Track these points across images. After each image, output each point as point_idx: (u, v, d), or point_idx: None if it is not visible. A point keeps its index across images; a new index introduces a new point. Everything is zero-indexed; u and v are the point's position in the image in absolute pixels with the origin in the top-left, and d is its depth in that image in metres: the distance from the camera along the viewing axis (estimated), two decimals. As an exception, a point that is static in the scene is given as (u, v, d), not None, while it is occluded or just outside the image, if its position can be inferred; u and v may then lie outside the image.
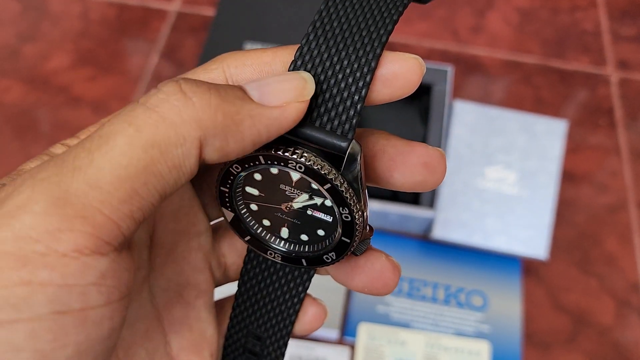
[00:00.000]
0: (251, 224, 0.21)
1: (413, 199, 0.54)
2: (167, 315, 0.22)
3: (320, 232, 0.20)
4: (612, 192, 0.59)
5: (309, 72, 0.18)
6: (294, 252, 0.21)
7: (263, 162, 0.18)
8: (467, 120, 0.56)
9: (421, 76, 0.18)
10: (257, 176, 0.19)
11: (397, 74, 0.18)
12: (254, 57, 0.19)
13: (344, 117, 0.18)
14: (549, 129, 0.56)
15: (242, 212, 0.20)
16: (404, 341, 0.50)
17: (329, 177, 0.18)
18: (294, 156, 0.18)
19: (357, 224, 0.19)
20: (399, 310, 0.52)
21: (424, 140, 0.54)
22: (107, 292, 0.15)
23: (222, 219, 0.23)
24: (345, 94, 0.18)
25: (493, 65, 0.67)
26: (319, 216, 0.19)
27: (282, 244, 0.21)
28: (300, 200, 0.19)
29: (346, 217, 0.19)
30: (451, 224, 0.53)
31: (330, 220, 0.19)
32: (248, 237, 0.21)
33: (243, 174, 0.19)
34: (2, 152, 0.59)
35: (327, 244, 0.20)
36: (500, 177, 0.55)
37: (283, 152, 0.18)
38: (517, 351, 0.50)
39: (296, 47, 0.18)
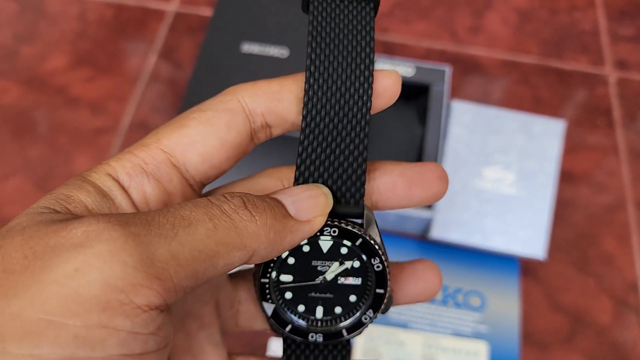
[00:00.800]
0: (288, 312, 0.22)
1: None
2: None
3: (352, 298, 0.23)
4: (610, 192, 0.59)
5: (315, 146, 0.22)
6: (333, 327, 0.23)
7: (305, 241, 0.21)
8: (465, 120, 0.56)
9: (400, 86, 0.22)
10: (291, 260, 0.22)
11: (386, 87, 0.22)
12: (264, 88, 0.22)
13: (353, 190, 0.22)
14: (547, 128, 0.56)
15: (279, 302, 0.22)
16: (402, 341, 0.50)
17: (359, 233, 0.21)
18: (328, 223, 0.21)
19: (388, 271, 0.22)
20: (397, 310, 0.52)
21: (422, 140, 0.54)
22: (159, 341, 0.17)
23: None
24: (350, 171, 0.22)
25: (491, 65, 0.67)
26: (350, 282, 0.22)
27: (319, 324, 0.23)
28: (332, 270, 0.22)
29: (378, 267, 0.22)
30: (449, 224, 0.53)
31: (360, 282, 0.22)
32: (289, 327, 0.22)
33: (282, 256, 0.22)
34: (0, 153, 0.59)
35: (360, 306, 0.23)
36: (498, 177, 0.55)
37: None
38: (515, 351, 0.50)
39: (299, 75, 0.22)
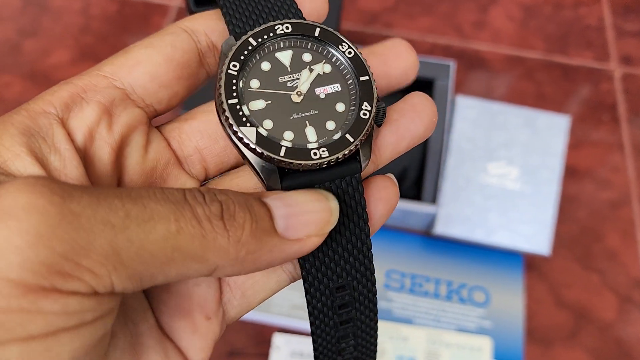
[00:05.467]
0: (276, 141, 0.19)
1: (415, 194, 0.54)
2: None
3: (340, 107, 0.20)
4: (614, 187, 0.59)
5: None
6: (332, 139, 0.19)
7: (254, 43, 0.19)
8: (470, 116, 0.56)
9: (413, 54, 0.22)
10: (254, 84, 0.20)
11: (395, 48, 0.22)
12: (202, 14, 0.21)
13: None
14: (552, 124, 0.55)
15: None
16: (405, 337, 0.50)
17: (315, 23, 0.20)
18: (278, 20, 0.20)
19: (359, 54, 0.20)
20: (401, 306, 0.52)
21: (426, 135, 0.54)
22: (100, 312, 0.15)
23: None
24: None
25: (496, 61, 0.67)
26: (329, 91, 0.20)
27: (316, 147, 0.19)
28: (304, 79, 0.20)
29: (349, 52, 0.20)
30: (453, 219, 0.53)
31: (340, 88, 0.20)
32: (283, 150, 0.19)
33: (242, 71, 0.19)
34: (4, 148, 0.59)
35: (352, 109, 0.20)
36: (502, 172, 0.54)
37: (260, 23, 0.20)
38: (519, 347, 0.50)
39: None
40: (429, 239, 0.55)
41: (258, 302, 0.21)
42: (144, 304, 0.20)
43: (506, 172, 0.54)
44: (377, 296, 0.21)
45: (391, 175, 0.22)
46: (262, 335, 0.50)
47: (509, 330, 0.51)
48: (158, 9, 0.69)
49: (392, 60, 0.22)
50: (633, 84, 0.66)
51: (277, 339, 0.49)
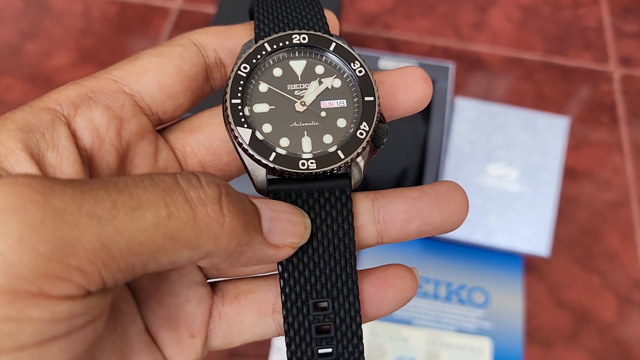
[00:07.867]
0: (269, 145, 0.19)
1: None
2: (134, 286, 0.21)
3: (341, 123, 0.20)
4: (614, 188, 0.59)
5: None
6: (325, 152, 0.19)
7: (269, 49, 0.20)
8: (469, 117, 0.56)
9: (425, 79, 0.21)
10: (263, 87, 0.20)
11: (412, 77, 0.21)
12: (213, 28, 0.21)
13: (315, 19, 0.21)
14: (551, 125, 0.56)
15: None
16: (405, 338, 0.50)
17: (332, 38, 0.20)
18: (295, 30, 0.20)
19: (370, 74, 0.20)
20: (401, 307, 0.52)
21: (425, 137, 0.54)
22: (91, 315, 0.15)
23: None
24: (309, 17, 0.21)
25: (495, 62, 0.67)
26: (334, 105, 0.20)
27: (307, 158, 0.19)
28: (311, 90, 0.20)
29: (360, 71, 0.20)
30: (453, 221, 0.53)
31: (345, 104, 0.20)
32: (273, 155, 0.19)
33: (253, 73, 0.20)
34: (5, 150, 0.59)
35: (352, 127, 0.20)
36: (501, 174, 0.54)
37: (285, 31, 0.20)
38: (518, 348, 0.50)
39: (247, 22, 0.22)
40: (428, 241, 0.55)
41: (240, 342, 0.21)
42: (133, 309, 0.20)
43: (505, 174, 0.54)
44: (361, 328, 0.19)
45: (415, 269, 0.21)
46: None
47: (508, 331, 0.51)
48: (159, 11, 0.69)
49: (401, 93, 0.21)
50: (632, 85, 0.66)
51: (278, 341, 0.49)
